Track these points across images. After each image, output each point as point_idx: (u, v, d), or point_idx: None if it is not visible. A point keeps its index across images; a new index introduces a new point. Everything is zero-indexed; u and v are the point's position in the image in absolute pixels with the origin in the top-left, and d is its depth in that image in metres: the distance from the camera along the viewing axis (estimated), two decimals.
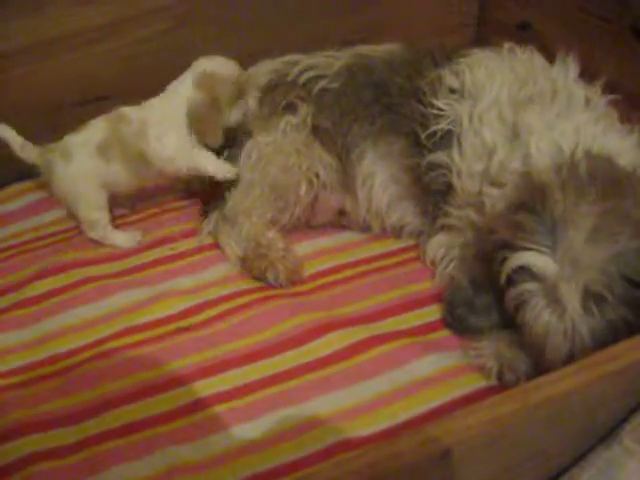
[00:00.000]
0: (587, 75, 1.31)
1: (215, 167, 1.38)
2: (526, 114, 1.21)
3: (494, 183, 1.20)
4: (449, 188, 1.30)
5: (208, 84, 1.37)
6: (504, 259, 1.05)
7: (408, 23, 1.79)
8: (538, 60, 1.35)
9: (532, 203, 1.06)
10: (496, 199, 1.18)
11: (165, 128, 1.38)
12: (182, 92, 1.39)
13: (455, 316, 1.20)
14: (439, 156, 1.30)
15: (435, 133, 1.30)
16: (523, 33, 1.71)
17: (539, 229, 1.02)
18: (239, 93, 1.40)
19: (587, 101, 1.25)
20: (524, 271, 1.03)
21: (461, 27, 1.85)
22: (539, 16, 1.69)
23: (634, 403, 0.93)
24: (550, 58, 1.34)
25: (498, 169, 1.20)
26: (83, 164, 1.39)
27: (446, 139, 1.30)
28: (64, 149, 1.40)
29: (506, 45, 1.38)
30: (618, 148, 1.15)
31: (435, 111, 1.31)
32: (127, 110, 1.42)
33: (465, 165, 1.26)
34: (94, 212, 1.43)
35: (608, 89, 1.29)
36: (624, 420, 0.93)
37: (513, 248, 1.04)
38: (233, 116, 1.40)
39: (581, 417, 0.88)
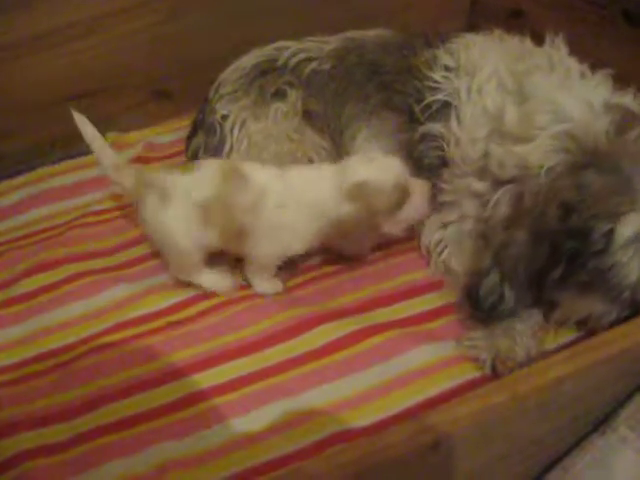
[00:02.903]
0: (578, 59, 1.29)
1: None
2: (530, 80, 1.21)
3: (518, 139, 1.15)
4: (442, 162, 1.28)
5: (362, 195, 1.16)
6: (610, 230, 1.03)
7: (400, 11, 1.78)
8: (528, 43, 1.34)
9: (599, 164, 1.05)
10: (522, 158, 1.13)
11: (288, 205, 1.20)
12: (321, 189, 1.20)
13: (487, 307, 1.14)
14: (434, 127, 1.28)
15: (431, 105, 1.29)
16: (515, 20, 1.70)
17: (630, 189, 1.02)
18: (399, 199, 1.19)
19: (582, 74, 1.24)
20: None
21: (453, 14, 1.85)
22: (531, 3, 1.68)
23: (628, 390, 0.92)
24: (542, 44, 1.33)
25: (518, 126, 1.16)
26: (179, 217, 1.21)
27: (442, 111, 1.29)
28: (164, 189, 1.22)
29: (496, 31, 1.37)
30: (632, 104, 1.16)
31: (431, 83, 1.30)
32: (247, 170, 1.22)
33: (465, 133, 1.24)
34: (183, 258, 1.27)
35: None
36: (618, 407, 0.93)
37: (611, 216, 1.03)
38: (393, 227, 1.23)
39: (573, 405, 0.87)
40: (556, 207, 1.06)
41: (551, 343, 1.19)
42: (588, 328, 1.15)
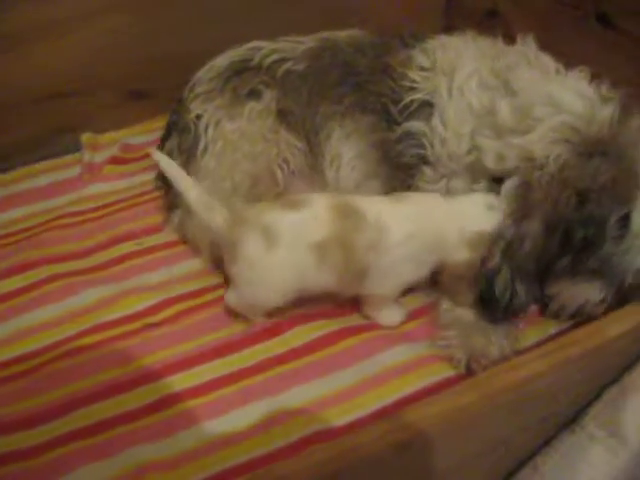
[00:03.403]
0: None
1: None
2: (515, 75, 1.22)
3: (515, 131, 1.15)
4: (421, 160, 1.28)
5: (480, 245, 1.13)
6: (625, 215, 1.05)
7: (375, 11, 1.79)
8: (501, 43, 1.35)
9: (605, 152, 1.07)
10: (525, 149, 1.13)
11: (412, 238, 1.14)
12: (441, 228, 1.14)
13: (504, 306, 1.13)
14: (414, 125, 1.28)
15: (409, 105, 1.29)
16: (491, 20, 1.71)
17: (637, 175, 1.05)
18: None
19: (557, 71, 1.26)
20: None
21: (429, 15, 1.86)
22: (507, 3, 1.69)
23: (597, 388, 0.93)
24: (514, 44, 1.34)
25: (513, 118, 1.16)
26: (290, 260, 1.11)
27: (422, 110, 1.28)
28: (269, 229, 1.11)
29: (469, 32, 1.38)
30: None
31: (408, 83, 1.30)
32: (362, 206, 1.14)
33: (450, 131, 1.23)
34: (262, 305, 1.21)
35: None
36: (588, 405, 0.93)
37: (625, 201, 1.05)
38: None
39: (544, 403, 0.88)
40: (571, 196, 1.06)
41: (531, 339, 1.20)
42: (576, 320, 1.17)
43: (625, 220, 1.06)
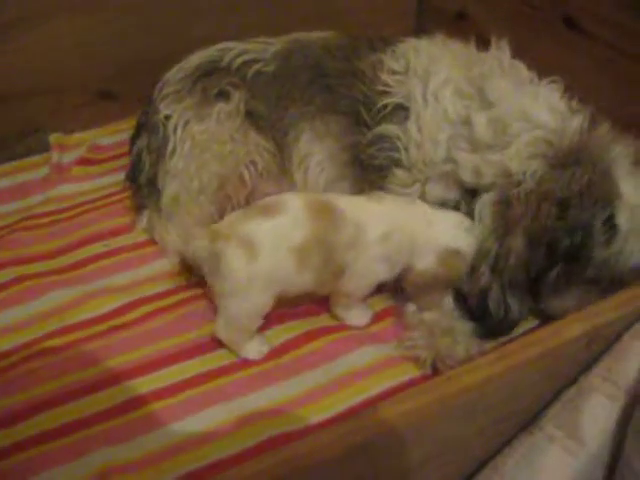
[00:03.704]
0: (523, 63, 1.31)
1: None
2: (491, 85, 1.22)
3: (491, 147, 1.16)
4: (393, 163, 1.28)
5: (451, 262, 1.14)
6: (609, 217, 1.07)
7: (347, 12, 1.79)
8: (472, 48, 1.36)
9: (578, 160, 1.09)
10: (502, 165, 1.14)
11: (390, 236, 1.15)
12: (415, 232, 1.15)
13: (498, 322, 1.15)
14: (388, 128, 1.28)
15: (384, 107, 1.29)
16: (461, 22, 1.72)
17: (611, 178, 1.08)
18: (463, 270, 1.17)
19: (531, 80, 1.27)
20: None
21: (400, 16, 1.86)
22: (476, 5, 1.70)
23: (555, 389, 0.94)
24: (487, 46, 1.34)
25: (488, 133, 1.17)
26: (272, 267, 1.11)
27: (396, 113, 1.29)
28: (247, 240, 1.10)
29: (439, 35, 1.38)
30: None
31: (380, 87, 1.31)
32: (340, 204, 1.15)
33: (426, 137, 1.24)
34: (249, 319, 1.18)
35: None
36: (547, 406, 0.94)
37: (606, 204, 1.07)
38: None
39: (502, 405, 0.88)
40: (551, 207, 1.08)
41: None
42: None
43: (610, 222, 1.07)
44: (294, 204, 1.13)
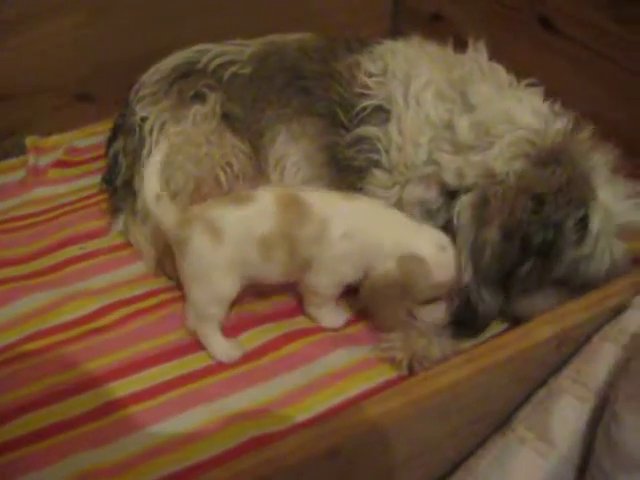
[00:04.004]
0: (500, 64, 1.32)
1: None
2: (472, 89, 1.23)
3: (474, 148, 1.17)
4: (372, 164, 1.28)
5: (409, 268, 1.12)
6: (583, 217, 1.08)
7: (323, 14, 1.79)
8: (450, 50, 1.36)
9: (558, 160, 1.10)
10: (485, 166, 1.15)
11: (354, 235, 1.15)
12: (381, 236, 1.15)
13: (469, 320, 1.16)
14: (369, 130, 1.28)
15: (364, 109, 1.29)
16: (437, 23, 1.73)
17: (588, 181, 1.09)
18: (431, 298, 1.17)
19: (510, 83, 1.28)
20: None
21: (377, 18, 1.87)
22: (451, 7, 1.70)
23: (526, 391, 0.95)
24: (463, 48, 1.35)
25: (471, 135, 1.18)
26: (236, 253, 1.14)
27: (376, 115, 1.29)
28: (214, 224, 1.13)
29: (415, 37, 1.39)
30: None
31: (359, 89, 1.31)
32: (309, 199, 1.16)
33: (408, 140, 1.24)
34: (215, 306, 1.19)
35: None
36: (519, 408, 0.95)
37: (581, 204, 1.08)
38: (425, 315, 1.19)
39: (473, 407, 0.89)
40: (527, 201, 1.08)
41: None
42: None
43: (583, 222, 1.08)
44: (264, 197, 1.16)
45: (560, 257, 1.09)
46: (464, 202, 1.16)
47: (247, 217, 1.14)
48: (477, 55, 1.31)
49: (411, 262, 1.12)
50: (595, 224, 1.08)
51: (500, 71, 1.29)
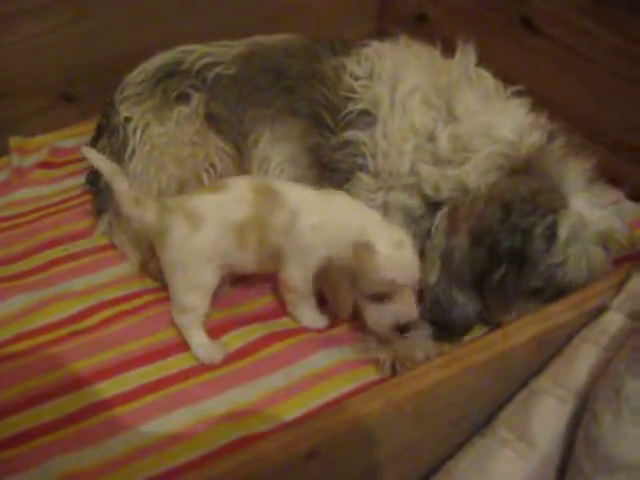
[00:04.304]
0: (482, 66, 1.32)
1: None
2: (457, 98, 1.23)
3: (451, 162, 1.18)
4: (357, 168, 1.29)
5: (360, 254, 1.11)
6: (551, 224, 1.09)
7: (308, 14, 1.79)
8: (437, 53, 1.36)
9: (529, 170, 1.13)
10: (459, 180, 1.16)
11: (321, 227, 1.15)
12: (344, 225, 1.15)
13: (448, 322, 1.17)
14: (356, 134, 1.29)
15: (350, 112, 1.30)
16: (421, 24, 1.73)
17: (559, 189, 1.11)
18: (386, 293, 1.13)
19: (497, 89, 1.28)
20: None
21: (362, 19, 1.87)
22: (434, 8, 1.71)
23: (506, 393, 0.95)
24: (447, 48, 1.36)
25: (449, 149, 1.19)
26: (213, 239, 1.16)
27: (361, 119, 1.29)
28: (192, 212, 1.15)
29: (402, 38, 1.39)
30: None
31: (345, 92, 1.31)
32: (283, 190, 1.18)
33: (393, 146, 1.25)
34: (195, 296, 1.20)
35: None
36: (499, 409, 0.95)
37: (549, 211, 1.09)
38: (370, 314, 1.17)
39: (452, 410, 0.89)
40: (495, 208, 1.10)
41: None
42: None
43: (552, 230, 1.09)
44: (240, 184, 1.19)
45: (534, 264, 1.10)
46: (440, 215, 1.18)
47: (224, 202, 1.17)
48: (465, 60, 1.32)
49: (363, 249, 1.11)
50: (564, 231, 1.09)
51: (487, 79, 1.30)
